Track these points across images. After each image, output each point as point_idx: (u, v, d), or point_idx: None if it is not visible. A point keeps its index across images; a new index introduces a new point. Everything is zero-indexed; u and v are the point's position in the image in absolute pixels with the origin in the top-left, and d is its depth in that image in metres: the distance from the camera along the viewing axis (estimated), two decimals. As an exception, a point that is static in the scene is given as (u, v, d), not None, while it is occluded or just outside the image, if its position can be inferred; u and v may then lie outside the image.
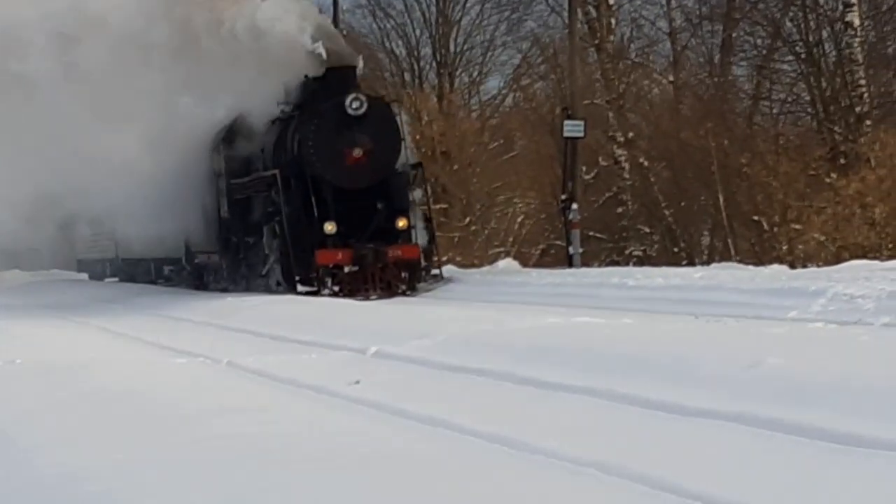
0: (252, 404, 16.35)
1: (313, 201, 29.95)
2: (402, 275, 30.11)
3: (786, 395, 13.34)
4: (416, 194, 32.31)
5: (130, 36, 34.75)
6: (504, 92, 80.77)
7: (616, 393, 15.05)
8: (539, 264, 50.76)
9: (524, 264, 49.57)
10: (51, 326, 32.17)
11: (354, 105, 29.58)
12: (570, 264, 39.84)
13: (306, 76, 31.58)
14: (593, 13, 47.01)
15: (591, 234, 46.50)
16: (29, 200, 40.27)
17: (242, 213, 35.58)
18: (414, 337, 21.83)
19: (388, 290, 29.41)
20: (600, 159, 48.70)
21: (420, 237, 31.37)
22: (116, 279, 52.54)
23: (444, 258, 39.12)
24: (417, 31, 78.24)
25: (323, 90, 30.87)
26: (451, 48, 75.46)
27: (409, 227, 30.70)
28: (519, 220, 68.55)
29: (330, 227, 29.47)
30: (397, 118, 33.37)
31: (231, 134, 35.66)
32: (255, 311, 29.13)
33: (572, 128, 36.95)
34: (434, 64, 77.29)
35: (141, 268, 51.02)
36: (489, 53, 77.21)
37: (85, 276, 62.58)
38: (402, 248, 30.04)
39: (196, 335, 26.61)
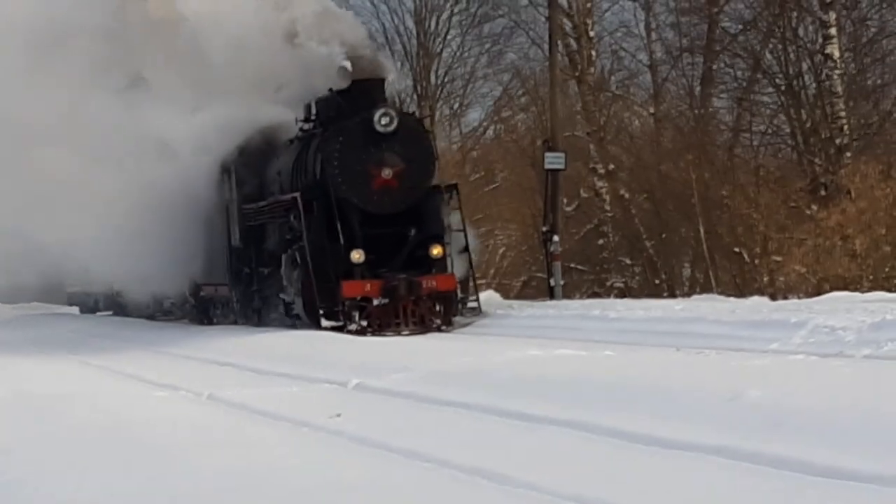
0: (230, 439, 16.38)
1: (338, 227, 28.22)
2: (437, 308, 28.41)
3: (766, 428, 13.36)
4: (452, 219, 30.62)
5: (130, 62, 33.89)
6: (485, 124, 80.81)
7: (598, 426, 15.06)
8: (520, 296, 50.87)
9: (505, 296, 49.48)
10: (34, 360, 32.14)
11: (384, 121, 28.03)
12: (552, 296, 39.71)
13: (330, 90, 30.03)
14: (574, 45, 47.07)
15: (572, 265, 46.55)
16: (12, 234, 40.16)
17: (256, 242, 34.37)
18: (395, 370, 21.80)
19: (422, 325, 27.88)
20: (581, 191, 48.79)
21: (457, 266, 29.58)
22: (110, 313, 51.21)
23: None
24: (398, 64, 77.84)
25: (349, 105, 29.24)
26: (432, 80, 75.34)
27: (445, 256, 28.88)
28: (500, 251, 68.43)
29: (357, 256, 27.83)
30: (430, 135, 32.12)
31: (243, 156, 34.50)
32: (237, 343, 28.95)
33: (553, 160, 36.92)
34: (415, 96, 77.10)
35: (138, 301, 49.32)
36: (470, 85, 77.09)
37: (75, 309, 61.45)
38: (436, 278, 28.29)
39: (180, 368, 26.49)
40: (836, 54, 41.31)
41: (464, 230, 30.99)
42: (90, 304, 58.20)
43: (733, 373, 17.57)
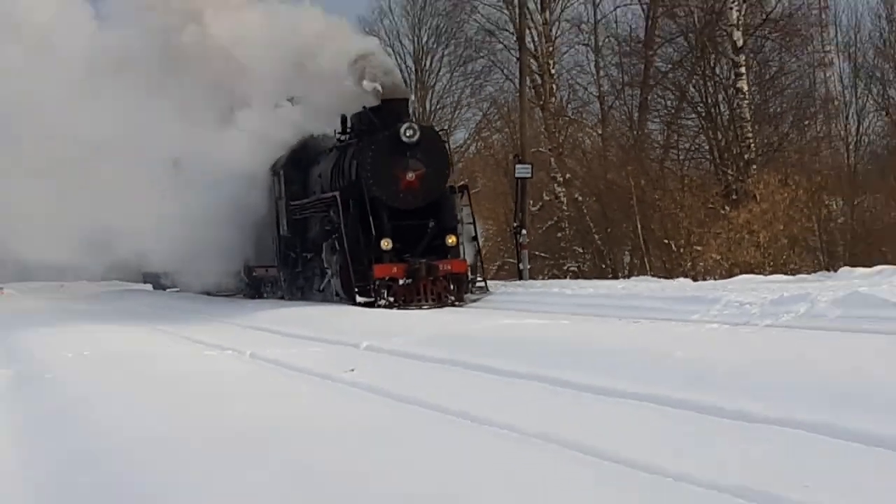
0: (264, 388, 16.47)
1: (370, 220, 28.20)
2: (451, 287, 28.48)
3: (689, 381, 13.38)
4: (464, 213, 30.75)
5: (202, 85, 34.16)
6: (468, 142, 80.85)
7: (556, 379, 15.08)
8: (495, 277, 50.49)
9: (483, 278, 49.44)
10: (115, 327, 32.11)
11: (408, 133, 28.19)
12: (520, 278, 39.65)
13: (364, 107, 30.22)
14: (539, 80, 46.74)
15: (536, 253, 46.41)
16: (98, 225, 39.98)
17: (301, 232, 34.36)
18: (397, 335, 21.88)
19: (439, 301, 27.91)
20: (544, 195, 48.62)
21: (468, 253, 29.87)
22: (177, 289, 50.99)
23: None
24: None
25: (379, 120, 29.35)
26: (427, 107, 75.35)
27: (458, 244, 29.08)
28: (481, 242, 67.97)
29: (386, 244, 28.04)
30: (446, 145, 32.13)
31: (290, 162, 34.39)
32: (278, 314, 29.05)
33: (522, 170, 36.81)
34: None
35: (201, 280, 47.54)
36: (456, 112, 76.95)
37: (149, 287, 61.11)
38: (451, 262, 28.45)
39: (230, 333, 26.60)
40: (745, 88, 41.25)
41: (473, 223, 31.38)
42: (160, 283, 57.80)
43: (663, 338, 17.62)
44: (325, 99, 32.30)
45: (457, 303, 28.03)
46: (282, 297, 36.20)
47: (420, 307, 26.98)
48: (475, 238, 31.32)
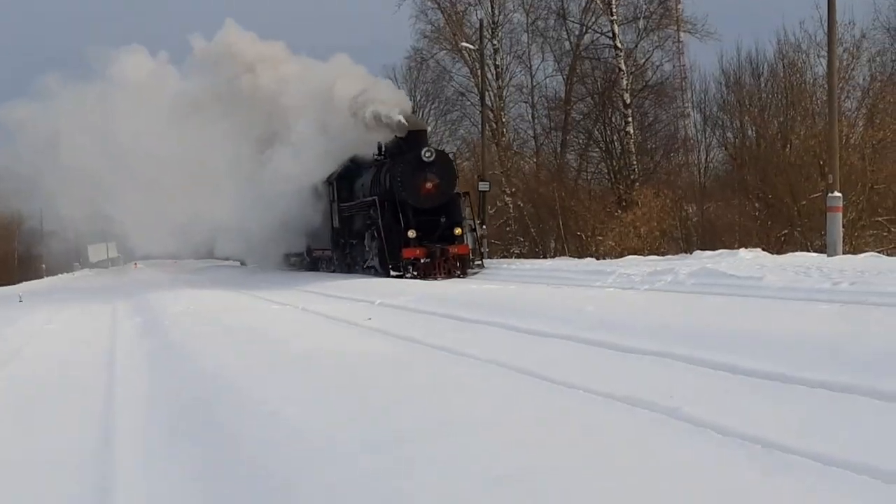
0: (311, 330, 16.71)
1: (400, 216, 28.51)
2: (458, 264, 28.52)
3: (595, 326, 13.42)
4: (466, 212, 30.86)
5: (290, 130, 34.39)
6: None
7: (505, 324, 15.12)
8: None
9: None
10: (209, 290, 32.12)
11: (427, 155, 28.62)
12: (481, 259, 39.41)
13: (396, 136, 30.30)
14: (494, 126, 46.41)
15: (492, 241, 46.08)
16: (203, 219, 40.22)
17: (348, 224, 34.42)
18: (402, 295, 21.94)
19: (449, 274, 27.96)
20: (497, 202, 48.13)
21: (469, 240, 30.04)
22: (256, 265, 50.69)
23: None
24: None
25: (407, 144, 29.58)
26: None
27: (462, 234, 29.25)
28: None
29: (411, 233, 28.17)
30: (453, 163, 32.19)
31: (340, 176, 34.50)
32: (326, 283, 29.12)
33: (483, 186, 36.59)
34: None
35: (278, 258, 47.44)
36: (439, 146, 76.45)
37: (237, 263, 60.41)
38: (457, 247, 28.65)
39: (291, 294, 26.69)
40: (631, 131, 41.02)
41: (473, 219, 31.58)
42: (245, 260, 56.98)
43: (578, 298, 17.67)
44: (357, 131, 31.91)
45: (461, 275, 27.94)
46: (333, 271, 36.03)
47: (435, 278, 27.02)
48: (474, 229, 31.32)
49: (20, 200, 45.32)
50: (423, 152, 28.49)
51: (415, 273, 27.74)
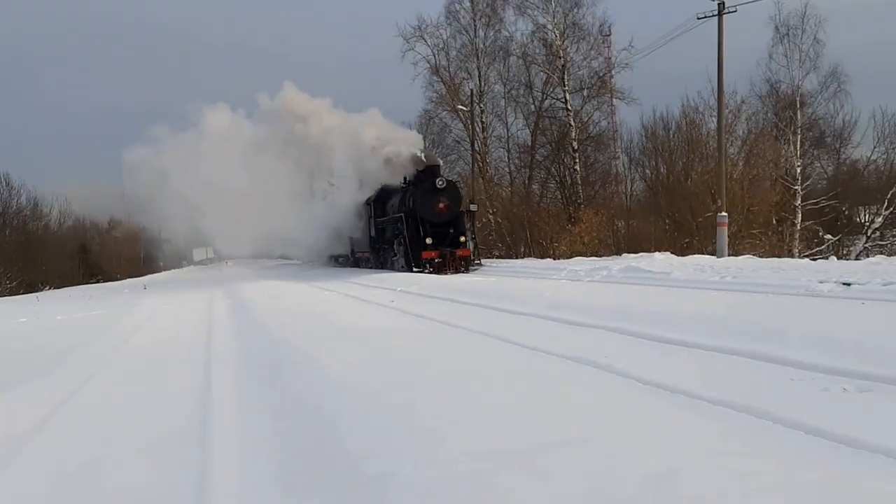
0: (349, 310, 16.52)
1: (420, 228, 28.45)
2: (462, 263, 28.39)
3: (551, 307, 13.39)
4: (468, 226, 30.36)
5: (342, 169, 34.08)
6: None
7: (488, 306, 15.10)
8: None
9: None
10: (278, 281, 31.95)
11: (440, 183, 28.77)
12: (480, 259, 39.33)
13: (416, 170, 30.21)
14: (481, 164, 46.17)
15: (479, 246, 45.98)
16: (276, 232, 40.34)
17: (381, 234, 34.04)
18: (415, 285, 21.80)
19: (456, 270, 27.66)
20: (483, 219, 48.01)
21: (470, 245, 29.70)
22: (312, 263, 49.97)
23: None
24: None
25: (425, 175, 29.54)
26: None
27: (466, 241, 29.15)
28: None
29: (429, 241, 28.14)
30: (459, 189, 31.82)
31: (376, 199, 34.01)
32: (365, 276, 28.98)
33: (473, 207, 36.37)
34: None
35: (326, 258, 46.70)
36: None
37: (299, 261, 59.30)
38: (462, 250, 28.58)
39: (338, 283, 26.60)
40: (578, 168, 40.87)
41: (473, 230, 31.20)
42: (306, 260, 55.89)
43: (539, 287, 17.54)
44: (377, 165, 31.74)
45: (465, 271, 27.66)
46: (370, 268, 35.63)
47: (445, 273, 26.69)
48: (474, 238, 30.99)
49: (143, 216, 45.41)
50: (437, 181, 28.50)
51: (431, 269, 27.58)
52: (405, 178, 30.84)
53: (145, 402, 8.34)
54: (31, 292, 43.84)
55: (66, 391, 9.39)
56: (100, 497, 5.42)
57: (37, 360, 12.32)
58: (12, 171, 59.16)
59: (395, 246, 31.26)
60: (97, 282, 53.62)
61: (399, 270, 29.89)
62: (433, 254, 27.83)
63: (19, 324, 20.52)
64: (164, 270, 63.04)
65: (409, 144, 31.58)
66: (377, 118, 34.82)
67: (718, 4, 27.47)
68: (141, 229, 52.17)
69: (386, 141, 31.90)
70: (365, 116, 35.21)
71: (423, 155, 30.68)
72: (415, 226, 28.57)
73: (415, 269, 28.22)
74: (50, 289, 46.89)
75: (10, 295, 42.66)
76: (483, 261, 31.03)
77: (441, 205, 28.48)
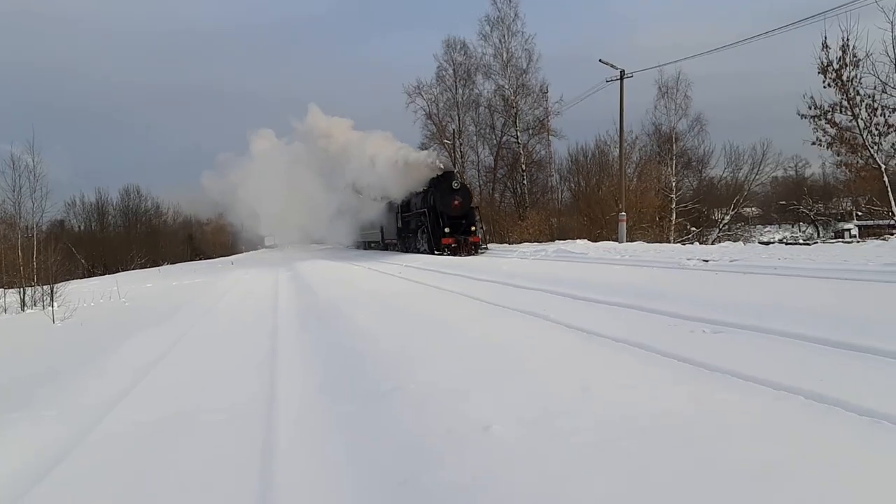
0: (370, 277, 16.32)
1: (440, 220, 26.12)
2: (473, 247, 25.87)
3: (509, 277, 13.32)
4: (477, 218, 27.24)
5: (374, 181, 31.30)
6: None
7: (465, 276, 14.96)
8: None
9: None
10: (322, 260, 31.56)
11: (455, 185, 26.43)
12: (486, 245, 38.79)
13: (437, 175, 27.36)
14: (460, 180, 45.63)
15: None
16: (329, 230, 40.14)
17: (406, 225, 31.35)
18: (418, 261, 21.56)
19: (468, 253, 25.29)
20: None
21: (480, 233, 26.88)
22: (355, 247, 48.51)
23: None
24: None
25: (442, 179, 26.91)
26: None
27: (475, 230, 26.38)
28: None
29: (447, 230, 25.79)
30: (469, 190, 28.52)
31: (403, 202, 31.30)
32: (391, 257, 28.47)
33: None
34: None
35: (361, 244, 43.77)
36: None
37: (341, 246, 57.75)
38: (473, 237, 25.97)
39: (369, 262, 26.09)
40: (526, 183, 40.69)
41: (481, 221, 28.76)
42: (345, 244, 54.11)
43: (498, 263, 17.44)
44: (401, 173, 29.10)
45: (475, 254, 25.44)
46: (397, 251, 32.75)
47: (460, 255, 24.80)
48: (482, 228, 28.85)
49: (228, 215, 44.61)
50: (453, 183, 26.63)
51: (449, 252, 25.78)
52: (428, 182, 28.42)
53: (233, 340, 8.31)
54: (155, 267, 44.02)
55: (181, 331, 9.38)
56: (210, 387, 5.42)
57: (160, 312, 12.29)
58: (142, 185, 61.59)
59: (419, 234, 29.26)
60: (199, 259, 53.67)
61: (423, 253, 27.97)
62: (450, 240, 25.90)
63: (147, 288, 20.43)
64: (245, 252, 62.70)
65: (426, 156, 29.72)
66: (388, 139, 33.35)
67: (620, 72, 27.58)
68: (228, 224, 51.52)
69: (408, 153, 30.12)
70: (375, 136, 33.63)
71: (441, 164, 28.50)
72: (435, 218, 26.67)
73: (436, 252, 26.44)
74: (167, 264, 46.84)
75: (141, 269, 42.68)
76: (487, 246, 28.92)
77: (456, 202, 26.36)
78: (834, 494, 2.61)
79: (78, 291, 18.46)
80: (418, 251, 28.76)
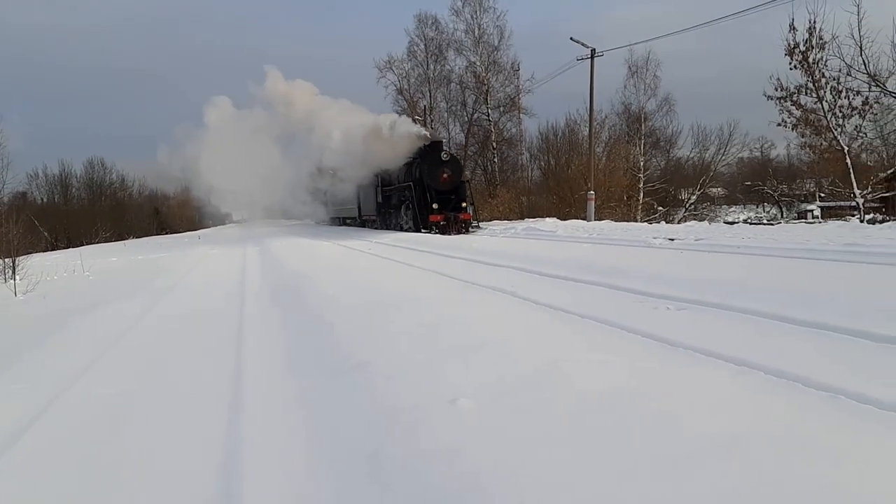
0: (345, 255, 16.23)
1: (427, 195, 24.18)
2: (463, 225, 23.74)
3: (478, 253, 13.37)
4: (468, 193, 25.43)
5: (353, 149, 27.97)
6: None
7: (436, 252, 14.98)
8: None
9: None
10: (293, 238, 31.29)
11: (444, 156, 24.40)
12: (478, 223, 38.25)
13: (424, 145, 25.31)
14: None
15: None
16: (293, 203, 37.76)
17: (387, 200, 29.37)
18: (405, 240, 21.50)
19: (458, 232, 23.16)
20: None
21: (470, 210, 24.90)
22: (328, 223, 46.91)
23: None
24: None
25: (430, 149, 24.90)
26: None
27: (466, 207, 24.40)
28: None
29: (435, 206, 23.81)
30: (460, 162, 27.21)
31: (383, 171, 28.25)
32: (367, 235, 27.96)
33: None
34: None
35: (336, 220, 42.03)
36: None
37: (313, 223, 55.75)
38: (463, 214, 23.93)
39: (343, 239, 25.76)
40: (496, 161, 40.63)
41: (472, 197, 26.88)
42: (323, 221, 51.87)
43: (469, 240, 17.44)
44: (387, 145, 26.64)
45: (466, 232, 23.41)
46: (376, 228, 31.05)
47: (450, 234, 22.81)
48: (472, 204, 26.42)
49: (194, 189, 41.99)
50: (441, 154, 24.81)
51: (437, 230, 23.96)
52: (413, 152, 26.33)
53: (201, 311, 8.22)
54: (120, 241, 43.32)
55: (150, 303, 9.26)
56: (179, 349, 5.37)
57: (130, 285, 12.12)
58: (106, 157, 60.74)
59: (402, 210, 27.29)
60: (166, 234, 52.97)
61: (407, 231, 26.14)
62: (439, 217, 23.99)
63: (112, 262, 20.12)
64: (212, 227, 61.95)
65: (411, 125, 27.52)
66: (352, 107, 30.95)
67: (591, 51, 27.53)
68: (193, 198, 50.08)
69: (393, 122, 27.72)
70: (341, 105, 31.11)
71: (427, 134, 26.61)
72: (422, 192, 24.80)
73: (422, 230, 24.65)
74: (133, 238, 46.19)
75: (106, 242, 42.00)
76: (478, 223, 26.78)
77: (445, 175, 24.45)
78: (796, 464, 2.67)
79: (41, 265, 18.12)
80: (401, 229, 27.11)
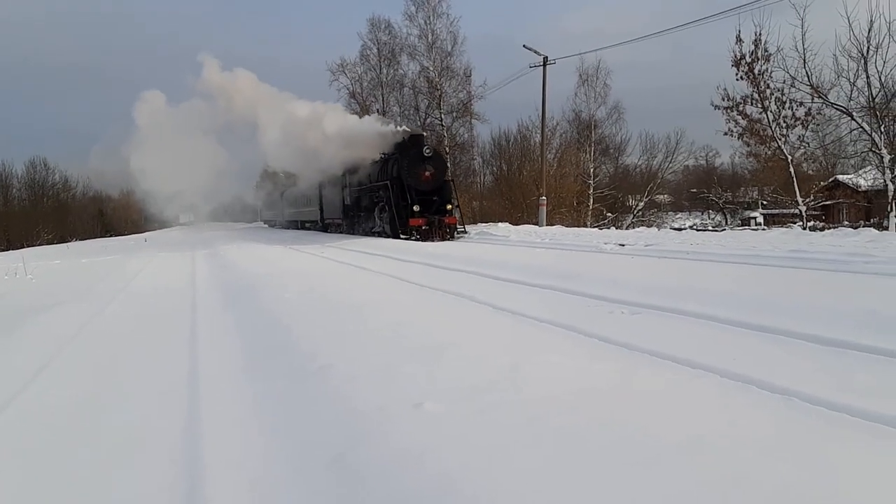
0: (320, 266, 16.07)
1: (407, 196, 21.66)
2: (448, 231, 21.34)
3: (431, 257, 13.35)
4: (453, 194, 22.92)
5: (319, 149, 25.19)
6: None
7: (391, 257, 14.96)
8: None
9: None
10: (248, 243, 30.75)
11: (426, 151, 21.62)
12: (464, 227, 37.77)
13: (403, 138, 23.21)
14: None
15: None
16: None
17: (356, 201, 26.82)
18: (384, 248, 21.30)
19: (442, 238, 20.94)
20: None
21: (456, 214, 22.55)
22: (282, 227, 45.31)
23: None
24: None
25: (411, 144, 22.44)
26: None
27: (451, 209, 22.01)
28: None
29: (416, 208, 21.18)
30: (445, 158, 25.54)
31: (352, 168, 25.67)
32: (334, 240, 27.74)
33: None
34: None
35: (294, 223, 40.12)
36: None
37: (265, 226, 53.93)
38: (448, 218, 21.55)
39: (312, 246, 25.44)
40: (450, 166, 40.56)
41: (457, 198, 24.53)
42: (274, 223, 50.48)
43: (425, 246, 17.37)
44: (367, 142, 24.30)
45: (451, 239, 21.26)
46: (341, 233, 28.56)
47: (433, 241, 20.51)
48: (458, 206, 24.10)
49: (138, 190, 39.57)
50: (423, 149, 22.15)
51: (417, 237, 21.61)
52: (391, 146, 24.03)
53: (151, 316, 8.02)
54: (63, 243, 42.11)
55: (98, 308, 9.00)
56: (125, 355, 5.22)
57: (72, 289, 11.77)
58: (49, 158, 58.83)
59: (375, 213, 24.79)
60: (110, 236, 51.65)
61: (379, 237, 23.76)
62: (420, 221, 21.59)
63: (55, 265, 19.52)
64: (159, 229, 60.60)
65: (383, 123, 25.40)
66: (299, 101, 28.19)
67: (543, 58, 27.86)
68: (139, 199, 48.37)
69: (357, 122, 25.60)
70: (285, 97, 28.16)
71: (406, 129, 24.36)
72: (401, 193, 22.40)
73: (401, 236, 22.42)
74: (76, 241, 44.90)
75: (48, 245, 40.76)
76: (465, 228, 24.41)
77: (427, 173, 22.08)
78: (754, 464, 2.74)
79: (-22, 267, 17.49)
80: (374, 234, 24.91)
